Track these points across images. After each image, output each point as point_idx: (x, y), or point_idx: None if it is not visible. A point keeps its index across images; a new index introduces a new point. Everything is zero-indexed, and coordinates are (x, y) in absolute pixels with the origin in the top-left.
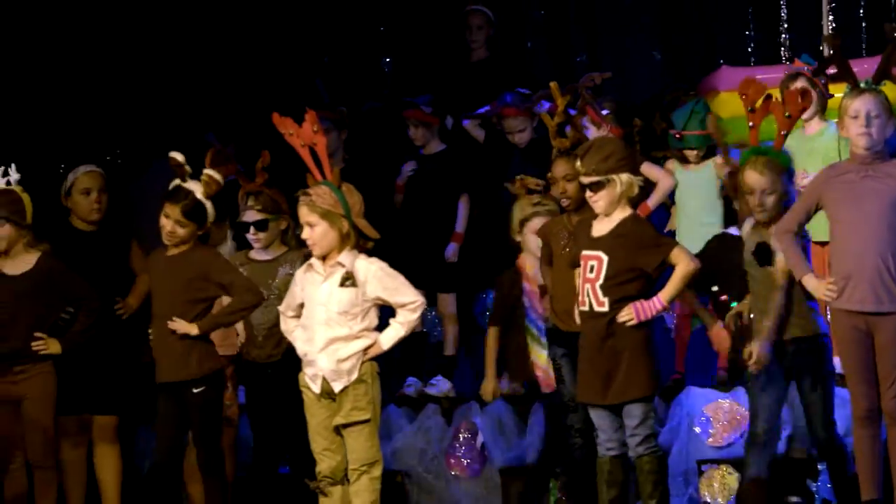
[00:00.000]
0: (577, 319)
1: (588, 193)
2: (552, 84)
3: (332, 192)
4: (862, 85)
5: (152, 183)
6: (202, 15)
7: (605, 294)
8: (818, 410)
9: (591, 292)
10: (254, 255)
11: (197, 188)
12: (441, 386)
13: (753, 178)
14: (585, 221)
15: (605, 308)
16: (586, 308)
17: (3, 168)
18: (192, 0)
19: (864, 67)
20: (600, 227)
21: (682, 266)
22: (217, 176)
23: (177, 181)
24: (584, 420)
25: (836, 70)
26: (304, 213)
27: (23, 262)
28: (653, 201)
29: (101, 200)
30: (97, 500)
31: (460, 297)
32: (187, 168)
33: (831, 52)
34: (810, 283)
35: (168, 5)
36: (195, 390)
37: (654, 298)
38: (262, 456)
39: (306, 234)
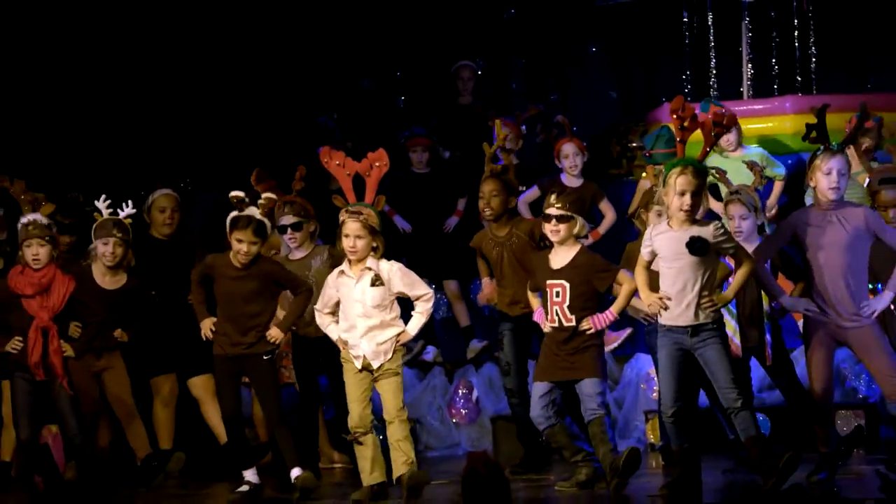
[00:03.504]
0: (545, 329)
1: (553, 223)
2: (497, 121)
3: (376, 214)
4: (833, 147)
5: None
6: (242, 70)
7: (571, 312)
8: (721, 376)
9: (559, 312)
10: (291, 255)
11: (254, 211)
12: (478, 343)
13: (684, 181)
14: (542, 256)
15: (573, 322)
16: (556, 324)
17: (109, 201)
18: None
19: (774, 105)
20: (557, 260)
21: (627, 285)
22: (272, 196)
23: (234, 213)
24: (517, 383)
25: (816, 135)
26: (356, 228)
27: (117, 281)
28: (602, 229)
29: (173, 217)
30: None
31: (463, 283)
32: (246, 199)
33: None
34: (787, 301)
35: (218, 64)
36: (265, 357)
37: (608, 311)
38: (307, 406)
39: (351, 243)
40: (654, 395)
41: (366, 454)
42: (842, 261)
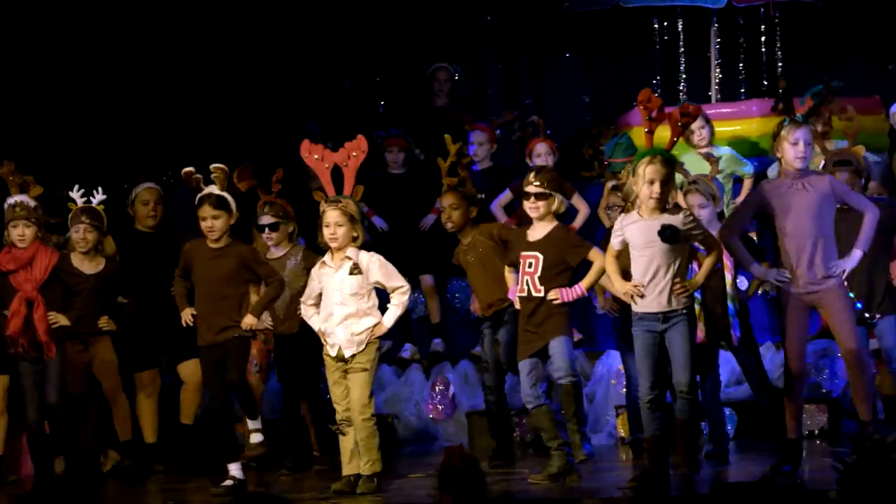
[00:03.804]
0: (517, 304)
1: (532, 201)
2: (446, 136)
3: (355, 204)
4: (798, 118)
5: (185, 198)
6: (235, 71)
7: (541, 283)
8: (680, 359)
9: (529, 282)
10: (269, 254)
11: (214, 188)
12: (439, 345)
13: (653, 170)
14: (521, 231)
15: (542, 294)
16: (524, 294)
17: (83, 190)
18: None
19: (741, 108)
20: (534, 234)
21: (598, 262)
22: (221, 165)
23: (200, 193)
24: (495, 380)
25: (782, 106)
26: (335, 216)
27: (94, 265)
28: (576, 224)
29: (156, 210)
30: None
31: (437, 282)
32: (197, 176)
33: (780, 91)
34: (758, 270)
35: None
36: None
37: (576, 286)
38: (289, 402)
39: (332, 231)
40: (624, 390)
41: (346, 445)
42: (810, 224)
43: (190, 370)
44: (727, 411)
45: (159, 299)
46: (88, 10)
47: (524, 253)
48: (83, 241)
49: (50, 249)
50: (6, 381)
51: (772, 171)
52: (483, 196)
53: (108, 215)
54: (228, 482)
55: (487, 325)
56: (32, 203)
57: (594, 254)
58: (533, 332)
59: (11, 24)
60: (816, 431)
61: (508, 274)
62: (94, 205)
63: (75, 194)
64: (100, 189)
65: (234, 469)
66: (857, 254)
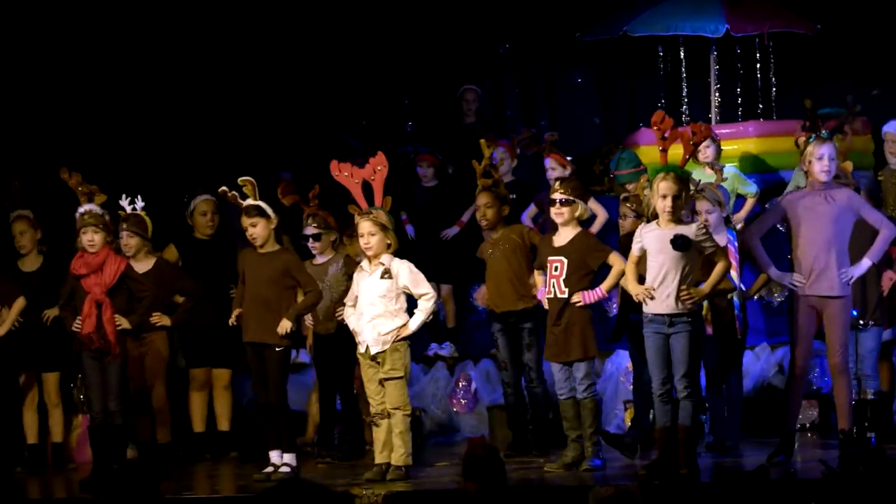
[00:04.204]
0: (545, 305)
1: (557, 207)
2: (482, 141)
3: (385, 214)
4: (823, 135)
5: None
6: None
7: (566, 285)
8: (682, 364)
9: (555, 284)
10: (314, 261)
11: (249, 200)
12: (447, 349)
13: (666, 186)
14: (547, 237)
15: (566, 295)
16: (552, 295)
17: (131, 198)
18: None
19: (739, 129)
20: (559, 240)
21: (617, 266)
22: (248, 178)
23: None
24: (512, 377)
25: (809, 124)
26: (368, 227)
27: (145, 265)
28: (595, 228)
29: (213, 220)
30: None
31: (457, 288)
32: (233, 193)
33: (808, 110)
34: (775, 273)
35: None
36: (277, 349)
37: (597, 288)
38: (326, 396)
39: (365, 240)
40: (632, 386)
41: (379, 437)
42: (827, 232)
43: (219, 377)
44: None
45: (217, 302)
46: (152, 29)
47: (551, 257)
48: (125, 247)
49: (119, 257)
50: (57, 376)
51: (791, 182)
52: (514, 196)
53: (171, 225)
54: (270, 469)
55: (498, 327)
56: (100, 210)
57: (614, 258)
58: (557, 341)
59: (82, 43)
60: (808, 425)
61: (537, 276)
62: (138, 210)
63: (124, 202)
64: (139, 197)
65: (275, 456)
66: (866, 263)
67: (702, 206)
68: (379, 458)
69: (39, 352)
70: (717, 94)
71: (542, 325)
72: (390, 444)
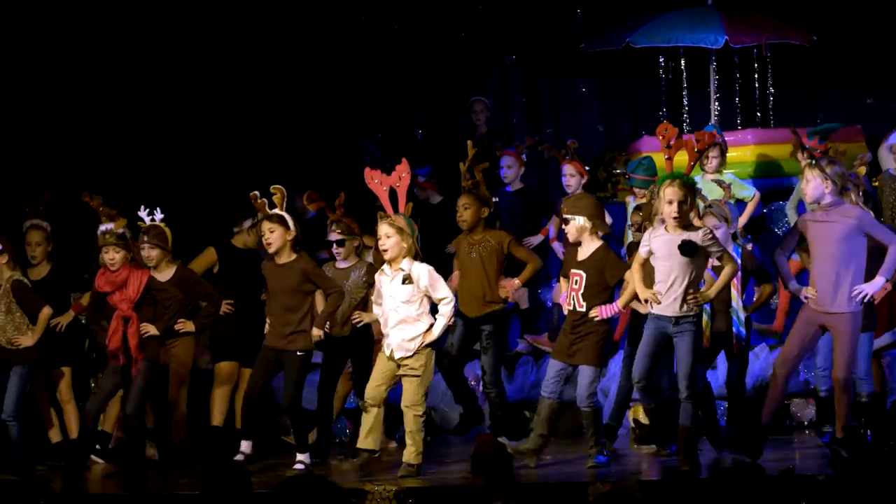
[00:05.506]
0: (565, 311)
1: (564, 224)
2: (468, 142)
3: (405, 219)
4: (813, 162)
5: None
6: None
7: (584, 300)
8: (684, 365)
9: (575, 297)
10: (337, 265)
11: (276, 209)
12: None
13: (672, 192)
14: (572, 249)
15: (584, 309)
16: (571, 308)
17: (149, 209)
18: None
19: (738, 137)
20: (581, 253)
21: (633, 283)
22: (279, 187)
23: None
24: (450, 363)
25: (807, 153)
26: (385, 229)
27: (166, 274)
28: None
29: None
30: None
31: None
32: (262, 200)
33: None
34: (794, 287)
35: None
36: (298, 353)
37: (614, 304)
38: (325, 396)
39: (382, 242)
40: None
41: (366, 422)
42: (835, 250)
43: (226, 371)
44: (723, 406)
45: (250, 305)
46: (184, 45)
47: (573, 271)
48: (147, 259)
49: (141, 270)
50: (69, 372)
51: (794, 193)
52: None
53: (211, 233)
54: (298, 466)
55: (462, 317)
56: (121, 229)
57: (630, 275)
58: (570, 346)
59: (101, 59)
60: (805, 423)
61: (563, 282)
62: (157, 222)
63: (143, 213)
64: (158, 209)
65: (304, 457)
66: (880, 280)
67: (709, 221)
68: (360, 444)
69: (49, 350)
70: (716, 103)
71: (506, 329)
72: (375, 431)
